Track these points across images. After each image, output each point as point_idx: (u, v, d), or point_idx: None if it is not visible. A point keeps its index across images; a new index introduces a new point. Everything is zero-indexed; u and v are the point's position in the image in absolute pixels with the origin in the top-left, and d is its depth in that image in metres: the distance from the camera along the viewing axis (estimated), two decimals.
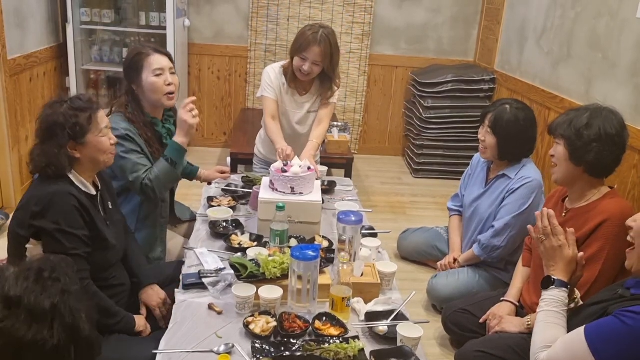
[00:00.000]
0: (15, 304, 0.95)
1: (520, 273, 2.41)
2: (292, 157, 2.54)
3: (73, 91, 4.38)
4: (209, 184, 2.85)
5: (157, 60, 2.33)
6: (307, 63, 2.74)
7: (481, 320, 2.35)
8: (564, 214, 2.14)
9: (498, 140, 2.66)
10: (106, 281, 1.95)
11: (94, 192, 1.93)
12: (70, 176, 1.86)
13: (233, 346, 1.60)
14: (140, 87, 2.34)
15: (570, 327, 1.55)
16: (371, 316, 1.78)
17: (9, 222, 3.40)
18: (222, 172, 2.83)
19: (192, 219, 2.69)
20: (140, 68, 2.32)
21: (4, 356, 0.95)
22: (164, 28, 4.34)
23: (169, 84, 2.34)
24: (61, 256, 1.12)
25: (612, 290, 1.61)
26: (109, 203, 2.03)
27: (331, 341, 1.62)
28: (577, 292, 1.74)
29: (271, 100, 2.90)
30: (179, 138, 2.27)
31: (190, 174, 2.82)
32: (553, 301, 1.60)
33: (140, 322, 1.97)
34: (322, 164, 3.17)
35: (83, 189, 1.89)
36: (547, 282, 1.64)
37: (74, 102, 1.86)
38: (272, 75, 2.91)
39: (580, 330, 1.45)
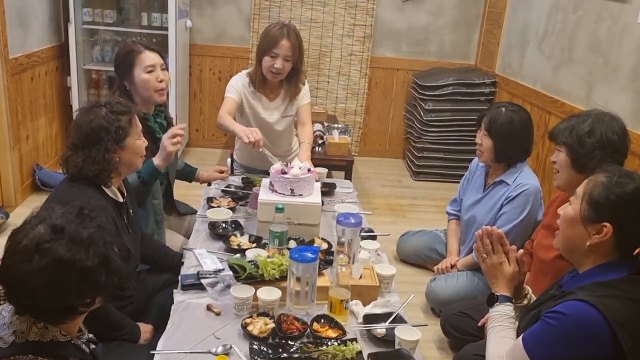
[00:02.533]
0: (59, 231, 1.17)
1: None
2: (261, 142, 2.50)
3: (74, 91, 4.39)
4: (209, 184, 2.85)
5: (149, 57, 2.37)
6: (279, 60, 2.70)
7: (479, 324, 2.35)
8: None
9: (494, 142, 2.66)
10: (120, 291, 1.95)
11: (121, 200, 1.94)
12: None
13: (231, 347, 1.60)
14: (132, 83, 2.37)
15: (519, 331, 1.58)
16: (369, 318, 1.78)
17: (8, 220, 3.44)
18: (221, 172, 2.82)
19: (195, 212, 2.74)
20: (132, 65, 2.35)
21: (47, 271, 1.14)
22: (166, 29, 4.35)
23: (160, 81, 2.38)
24: (100, 202, 1.37)
25: (549, 291, 1.64)
26: (131, 210, 2.04)
27: (329, 343, 1.62)
28: (526, 287, 1.77)
29: (232, 99, 2.81)
30: (156, 160, 2.28)
31: (189, 174, 2.82)
32: (499, 316, 1.63)
33: (146, 330, 1.96)
34: (322, 165, 3.17)
35: (112, 196, 1.89)
36: (492, 300, 1.67)
37: (113, 106, 1.86)
38: (238, 81, 2.85)
39: (519, 340, 1.48)
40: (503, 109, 2.68)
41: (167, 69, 2.46)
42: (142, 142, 1.97)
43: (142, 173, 2.27)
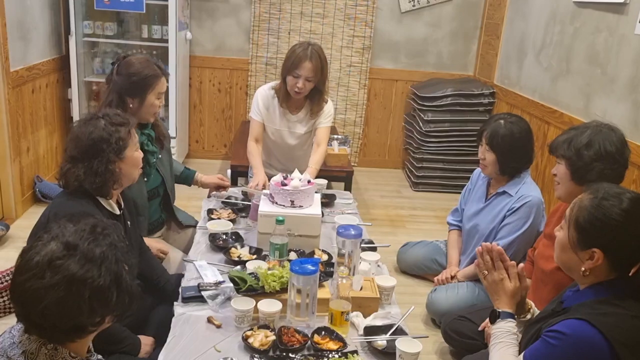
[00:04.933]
0: (72, 248, 1.17)
1: None
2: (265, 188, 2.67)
3: (75, 103, 4.41)
4: (208, 196, 2.86)
5: (164, 85, 2.44)
6: (301, 80, 2.82)
7: (480, 328, 2.34)
8: None
9: (497, 156, 2.67)
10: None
11: (118, 212, 1.94)
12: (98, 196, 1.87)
13: None
14: (141, 104, 2.38)
15: (522, 346, 1.58)
16: (370, 330, 1.78)
17: (9, 232, 3.44)
18: (221, 186, 2.82)
19: (195, 224, 2.70)
20: (149, 88, 2.37)
21: (59, 287, 1.13)
22: (166, 41, 4.38)
23: (159, 106, 2.46)
24: (113, 221, 1.35)
25: (552, 304, 1.63)
26: (128, 222, 2.04)
27: (330, 355, 1.62)
28: (529, 302, 1.76)
29: (257, 122, 3.02)
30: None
31: (188, 178, 2.81)
32: (501, 333, 1.61)
33: (147, 343, 1.96)
34: (322, 176, 3.18)
35: (108, 208, 1.90)
36: (494, 316, 1.66)
37: (112, 118, 1.88)
38: (260, 97, 3.00)
39: (520, 357, 1.47)
40: (502, 121, 2.69)
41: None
42: (140, 154, 1.98)
43: None
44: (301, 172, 3.04)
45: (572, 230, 1.49)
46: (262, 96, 3.00)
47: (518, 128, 2.67)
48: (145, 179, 2.44)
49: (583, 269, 1.47)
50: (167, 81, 2.49)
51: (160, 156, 2.52)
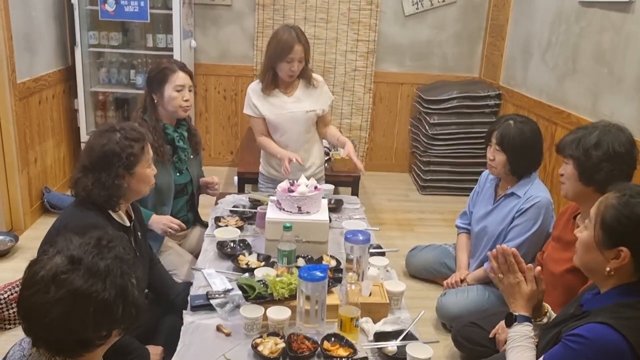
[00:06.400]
0: (77, 262, 1.16)
1: None
2: (300, 160, 2.80)
3: (81, 113, 4.43)
4: (215, 203, 2.86)
5: (181, 78, 2.56)
6: (295, 63, 2.82)
7: (491, 335, 2.33)
8: None
9: (508, 156, 2.66)
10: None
11: (128, 224, 1.95)
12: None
13: None
14: (160, 97, 2.56)
15: (539, 350, 1.56)
16: (380, 336, 1.76)
17: (18, 243, 3.45)
18: (209, 183, 2.85)
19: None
20: (165, 81, 2.54)
21: (64, 302, 1.12)
22: (171, 49, 4.39)
23: (185, 100, 2.57)
24: (119, 232, 1.36)
25: (570, 307, 1.61)
26: (139, 233, 2.04)
27: None
28: (546, 305, 1.74)
29: (255, 119, 2.98)
30: (151, 220, 2.39)
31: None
32: (518, 337, 1.60)
33: (156, 353, 1.95)
34: (329, 182, 3.17)
35: (118, 220, 1.91)
36: (510, 320, 1.64)
37: (127, 132, 1.89)
38: (252, 92, 2.97)
39: None
40: (511, 121, 2.68)
41: (192, 90, 2.65)
42: (152, 171, 1.98)
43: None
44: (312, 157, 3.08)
45: (598, 228, 1.46)
46: (254, 91, 2.95)
47: (528, 127, 2.66)
48: (178, 173, 2.63)
49: (608, 269, 1.45)
50: (193, 81, 2.64)
51: (192, 156, 2.71)
